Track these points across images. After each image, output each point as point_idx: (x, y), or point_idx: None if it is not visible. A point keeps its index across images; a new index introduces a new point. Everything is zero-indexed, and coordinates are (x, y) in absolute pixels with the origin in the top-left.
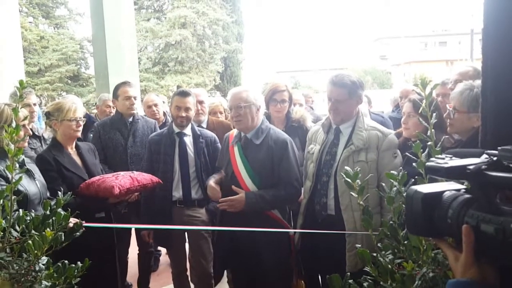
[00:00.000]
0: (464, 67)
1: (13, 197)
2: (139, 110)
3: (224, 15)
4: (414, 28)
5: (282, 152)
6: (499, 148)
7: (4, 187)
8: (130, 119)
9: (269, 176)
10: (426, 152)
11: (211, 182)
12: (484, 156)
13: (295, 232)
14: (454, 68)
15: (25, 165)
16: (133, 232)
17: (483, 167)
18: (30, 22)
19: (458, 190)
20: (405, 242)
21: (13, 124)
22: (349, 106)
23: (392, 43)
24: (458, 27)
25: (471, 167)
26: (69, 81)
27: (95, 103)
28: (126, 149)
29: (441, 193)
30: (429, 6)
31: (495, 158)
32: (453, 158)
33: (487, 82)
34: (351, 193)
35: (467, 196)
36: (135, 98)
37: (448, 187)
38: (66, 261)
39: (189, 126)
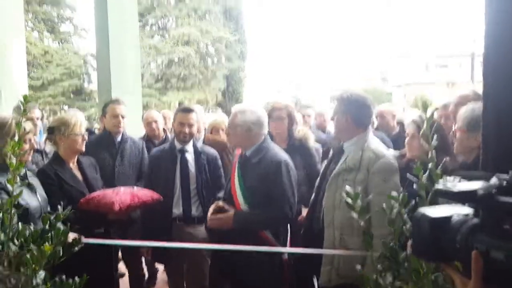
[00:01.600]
0: (464, 91)
1: (13, 211)
2: (137, 127)
3: (227, 33)
4: (414, 50)
5: (275, 174)
6: (510, 172)
7: (5, 200)
8: (119, 138)
9: (260, 196)
10: (427, 174)
11: (210, 209)
12: (495, 179)
13: (288, 255)
14: (455, 91)
15: (27, 179)
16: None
17: (493, 191)
18: (35, 37)
19: (467, 214)
20: (405, 264)
21: (16, 138)
22: (340, 121)
23: (392, 64)
24: (459, 49)
25: (481, 191)
26: (71, 95)
27: (96, 117)
28: (114, 168)
29: (449, 217)
30: (430, 28)
31: (505, 183)
32: (462, 180)
33: (488, 105)
34: (354, 214)
35: (476, 221)
36: (122, 116)
37: (456, 210)
38: (63, 276)
39: (191, 142)
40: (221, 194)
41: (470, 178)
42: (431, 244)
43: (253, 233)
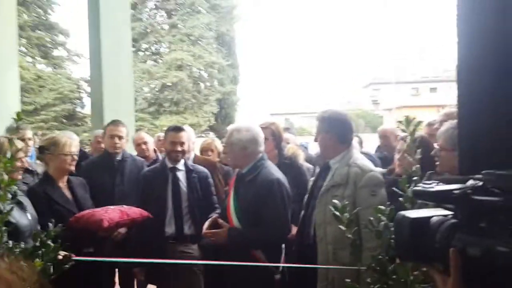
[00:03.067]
0: (449, 109)
1: (3, 228)
2: (128, 149)
3: (220, 58)
4: (405, 74)
5: (268, 193)
6: (483, 172)
7: None
8: (119, 158)
9: (252, 215)
10: (412, 187)
11: (206, 224)
12: (470, 181)
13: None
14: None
15: (18, 197)
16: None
17: (469, 191)
18: (28, 62)
19: (446, 215)
20: (394, 276)
21: (8, 155)
22: (325, 140)
23: (383, 88)
24: (448, 74)
25: (456, 191)
26: (64, 120)
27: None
28: (113, 187)
29: (429, 218)
30: (420, 52)
31: (480, 183)
32: (440, 183)
33: (462, 109)
34: (341, 226)
35: (454, 220)
36: (119, 137)
37: (436, 212)
38: None
39: (182, 161)
40: (214, 213)
41: (448, 182)
42: (412, 245)
43: (246, 252)
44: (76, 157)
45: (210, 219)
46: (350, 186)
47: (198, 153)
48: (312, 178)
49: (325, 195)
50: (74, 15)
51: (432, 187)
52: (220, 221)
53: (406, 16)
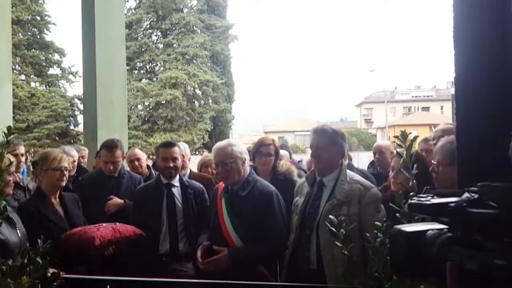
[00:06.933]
0: (445, 125)
1: None
2: (124, 166)
3: (214, 77)
4: (397, 94)
5: (267, 205)
6: (478, 184)
7: None
8: (115, 174)
9: (254, 229)
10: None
11: (198, 254)
12: (466, 194)
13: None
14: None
15: (7, 213)
16: None
17: (464, 204)
18: (22, 80)
19: (441, 229)
20: None
21: None
22: (330, 154)
23: (375, 107)
24: (440, 93)
25: (452, 204)
26: (56, 137)
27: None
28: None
29: (424, 231)
30: (413, 74)
31: (476, 196)
32: (435, 197)
33: (460, 122)
34: (336, 243)
35: (450, 234)
36: (113, 163)
37: (431, 226)
38: None
39: (177, 177)
40: (203, 237)
41: (443, 195)
42: (407, 259)
43: (246, 269)
44: (66, 172)
45: (201, 247)
46: (354, 203)
47: (196, 169)
48: (301, 199)
49: (329, 215)
50: (70, 34)
51: (428, 200)
52: (215, 247)
53: (397, 37)
